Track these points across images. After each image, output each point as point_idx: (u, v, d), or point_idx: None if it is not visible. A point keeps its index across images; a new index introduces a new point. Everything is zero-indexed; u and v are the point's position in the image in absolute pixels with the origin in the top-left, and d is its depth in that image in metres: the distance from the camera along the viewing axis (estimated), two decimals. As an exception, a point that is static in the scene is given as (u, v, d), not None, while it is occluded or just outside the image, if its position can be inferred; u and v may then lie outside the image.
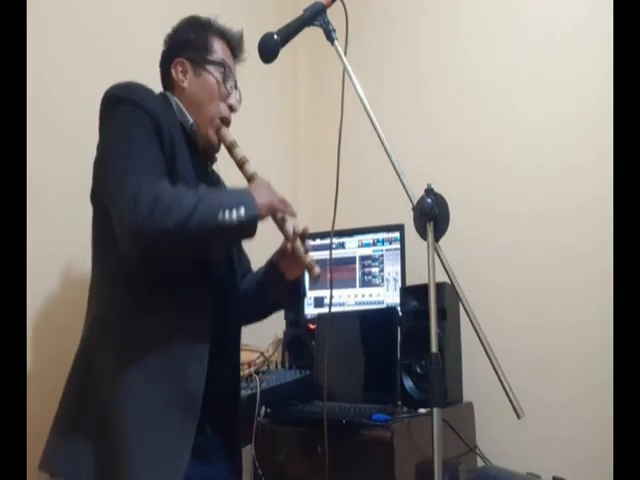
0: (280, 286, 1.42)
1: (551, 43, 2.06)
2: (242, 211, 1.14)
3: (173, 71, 1.38)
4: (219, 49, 1.40)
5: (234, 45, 1.44)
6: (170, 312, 1.21)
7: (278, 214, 1.28)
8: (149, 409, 1.15)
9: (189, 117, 1.35)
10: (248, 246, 1.53)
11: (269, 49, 1.36)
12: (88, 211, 1.31)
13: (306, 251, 1.33)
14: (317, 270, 1.31)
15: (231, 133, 1.39)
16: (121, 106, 1.23)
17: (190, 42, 1.39)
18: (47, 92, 1.58)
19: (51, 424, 1.22)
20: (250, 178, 1.33)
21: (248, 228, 1.18)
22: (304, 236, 1.34)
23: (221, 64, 1.38)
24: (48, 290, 1.55)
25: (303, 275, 1.44)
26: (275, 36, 1.35)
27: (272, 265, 1.43)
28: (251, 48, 1.43)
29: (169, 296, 1.22)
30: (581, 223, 1.95)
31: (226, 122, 1.40)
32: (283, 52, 1.39)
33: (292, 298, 1.48)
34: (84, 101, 1.56)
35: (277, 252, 1.42)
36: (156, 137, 1.22)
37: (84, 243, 1.33)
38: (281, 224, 1.30)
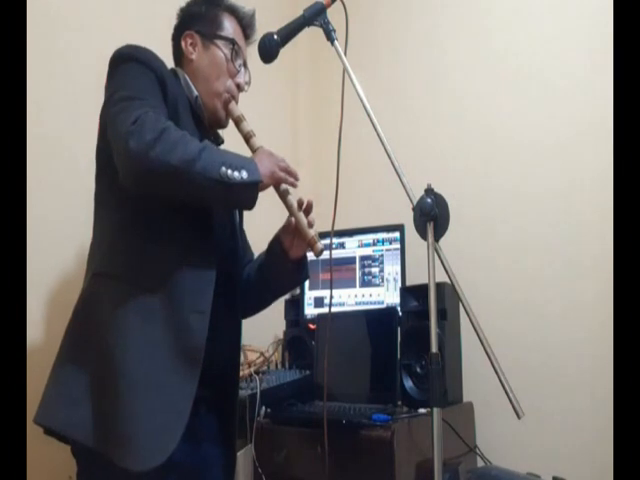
0: (283, 265, 1.38)
1: (553, 44, 2.06)
2: (244, 173, 1.14)
3: (183, 43, 1.38)
4: (229, 27, 1.39)
5: (245, 25, 1.43)
6: (174, 260, 1.19)
7: (281, 185, 1.27)
8: (150, 360, 1.12)
9: (194, 90, 1.34)
10: (250, 231, 1.53)
11: (269, 49, 1.36)
12: (89, 203, 1.31)
13: (310, 225, 1.30)
14: (320, 245, 1.27)
15: (239, 107, 1.38)
16: (128, 63, 1.23)
17: (201, 15, 1.38)
18: (47, 88, 1.59)
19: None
20: (256, 152, 1.32)
21: (248, 192, 1.17)
22: (308, 209, 1.31)
23: (231, 40, 1.37)
24: (48, 282, 1.56)
25: (306, 256, 1.40)
26: (275, 36, 1.36)
27: (275, 243, 1.40)
28: (251, 48, 1.43)
29: (172, 246, 1.20)
30: (581, 223, 1.95)
31: (234, 99, 1.39)
32: (283, 52, 1.39)
33: (294, 278, 1.45)
34: (84, 95, 1.56)
35: (281, 228, 1.39)
36: (160, 91, 1.22)
37: (85, 235, 1.32)
38: (284, 196, 1.29)
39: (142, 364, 1.11)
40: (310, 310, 2.14)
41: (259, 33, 1.38)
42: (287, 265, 1.38)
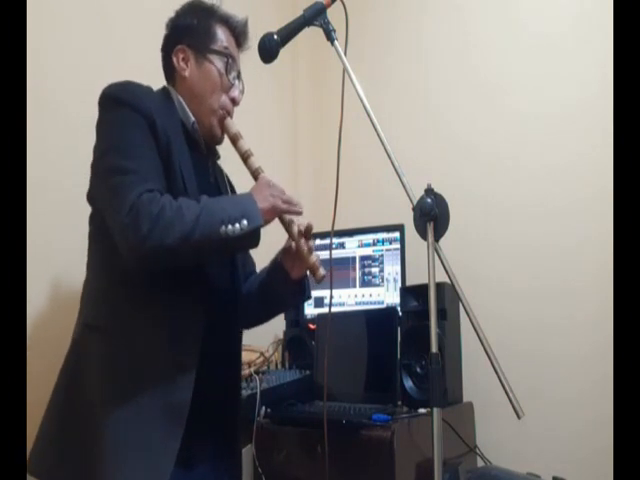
0: (284, 285, 1.38)
1: (552, 40, 2.06)
2: (244, 223, 1.13)
3: (174, 59, 1.34)
4: (223, 37, 1.36)
5: (238, 33, 1.40)
6: (161, 319, 1.19)
7: (283, 215, 1.27)
8: (133, 418, 1.12)
9: (190, 115, 1.32)
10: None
11: (269, 49, 1.35)
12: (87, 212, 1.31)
13: (310, 251, 1.29)
14: (322, 272, 1.27)
15: (235, 124, 1.36)
16: (117, 108, 1.20)
17: (193, 28, 1.35)
18: (48, 91, 1.59)
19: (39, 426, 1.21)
20: (254, 172, 1.30)
21: (251, 239, 1.17)
22: (309, 235, 1.30)
23: (224, 54, 1.34)
24: (48, 294, 1.55)
25: (307, 276, 1.40)
26: (275, 36, 1.35)
27: (276, 263, 1.40)
28: (251, 48, 1.43)
29: (162, 301, 1.19)
30: (582, 222, 1.95)
31: (229, 115, 1.37)
32: (283, 52, 1.38)
33: (296, 298, 1.44)
34: (84, 99, 1.55)
35: (281, 250, 1.39)
36: (152, 137, 1.20)
37: (84, 244, 1.32)
38: (285, 222, 1.28)
39: (125, 422, 1.12)
40: (310, 310, 2.14)
41: (259, 34, 1.37)
42: (288, 285, 1.38)
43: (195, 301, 1.22)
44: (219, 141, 1.39)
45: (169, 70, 1.37)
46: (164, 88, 1.36)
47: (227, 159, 1.46)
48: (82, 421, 1.15)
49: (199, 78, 1.33)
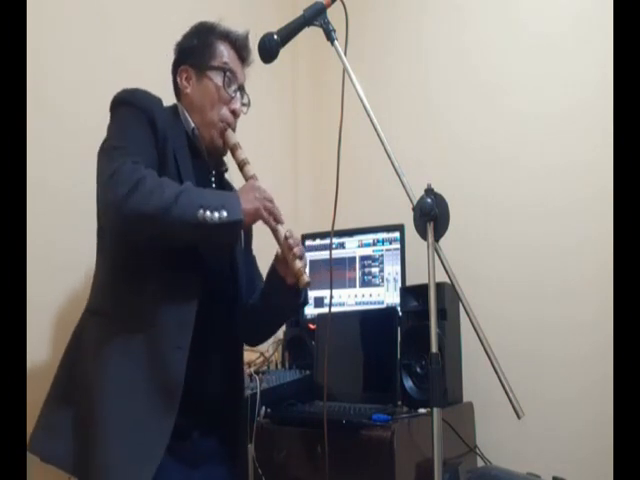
0: (280, 291, 1.39)
1: (552, 40, 2.06)
2: (224, 213, 1.15)
3: (178, 79, 1.41)
4: (224, 53, 1.41)
5: (239, 47, 1.44)
6: (156, 297, 1.22)
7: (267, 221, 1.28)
8: (128, 395, 1.16)
9: (191, 122, 1.37)
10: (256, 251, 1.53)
11: (269, 49, 1.36)
12: (91, 210, 1.31)
13: (295, 257, 1.28)
14: (306, 278, 1.26)
15: (235, 135, 1.40)
16: (121, 108, 1.28)
17: (194, 48, 1.41)
18: (48, 91, 1.59)
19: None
20: (248, 180, 1.34)
21: (228, 231, 1.19)
22: (296, 242, 1.30)
23: (223, 69, 1.39)
24: (48, 293, 1.55)
25: None
26: (275, 36, 1.36)
27: (273, 270, 1.42)
28: (251, 50, 1.43)
29: (158, 281, 1.23)
30: (582, 222, 1.95)
31: (230, 127, 1.40)
32: (283, 52, 1.39)
33: (294, 304, 1.45)
34: (84, 99, 1.56)
35: (275, 257, 1.40)
36: (150, 130, 1.25)
37: (84, 244, 1.33)
38: (273, 228, 1.30)
39: (120, 400, 1.15)
40: (310, 310, 2.14)
41: (259, 34, 1.38)
42: (285, 291, 1.39)
43: (191, 283, 1.25)
44: (222, 153, 1.43)
45: (176, 90, 1.44)
46: (174, 104, 1.41)
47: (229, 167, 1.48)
48: (79, 400, 1.18)
49: (199, 94, 1.39)
